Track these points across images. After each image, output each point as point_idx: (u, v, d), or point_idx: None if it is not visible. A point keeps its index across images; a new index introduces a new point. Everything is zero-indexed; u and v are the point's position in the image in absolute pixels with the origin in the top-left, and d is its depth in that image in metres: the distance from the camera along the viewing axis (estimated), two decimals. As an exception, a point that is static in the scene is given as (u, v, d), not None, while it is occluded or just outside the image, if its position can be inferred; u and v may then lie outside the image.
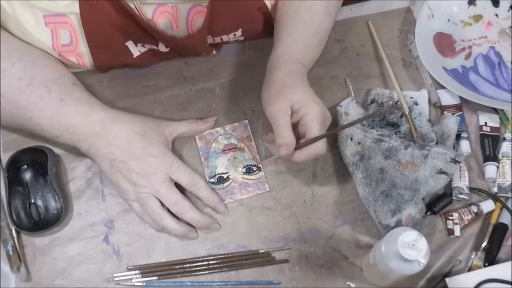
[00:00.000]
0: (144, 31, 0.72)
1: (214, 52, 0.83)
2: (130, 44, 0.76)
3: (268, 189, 0.76)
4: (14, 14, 0.69)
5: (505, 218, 0.73)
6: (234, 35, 0.80)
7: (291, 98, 0.68)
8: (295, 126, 0.69)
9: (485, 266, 0.71)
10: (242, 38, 0.82)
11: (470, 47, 0.86)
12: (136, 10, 0.69)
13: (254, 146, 0.78)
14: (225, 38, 0.80)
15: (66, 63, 0.75)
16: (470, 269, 0.72)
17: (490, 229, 0.73)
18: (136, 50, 0.78)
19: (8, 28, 0.71)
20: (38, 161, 0.74)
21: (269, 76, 0.73)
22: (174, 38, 0.73)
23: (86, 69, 0.78)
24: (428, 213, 0.74)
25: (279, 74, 0.71)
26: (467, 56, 0.86)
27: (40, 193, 0.72)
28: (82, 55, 0.74)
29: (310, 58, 0.76)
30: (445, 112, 0.80)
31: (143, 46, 0.77)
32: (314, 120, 0.67)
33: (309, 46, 0.75)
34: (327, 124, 0.70)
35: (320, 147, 0.68)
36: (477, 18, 0.88)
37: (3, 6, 0.68)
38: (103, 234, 0.73)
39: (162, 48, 0.78)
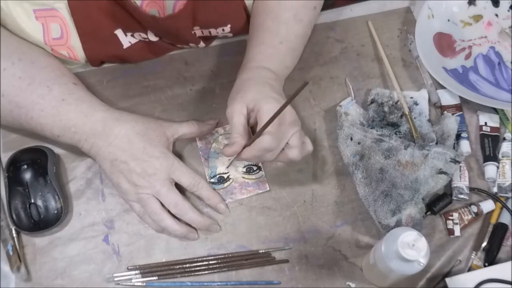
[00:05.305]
0: (130, 15, 0.72)
1: (203, 44, 0.83)
2: (119, 33, 0.76)
3: (268, 189, 0.76)
4: (8, 9, 0.69)
5: (505, 218, 0.73)
6: (223, 30, 0.80)
7: (245, 97, 0.68)
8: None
9: (485, 266, 0.71)
10: (231, 34, 0.82)
11: (470, 47, 0.86)
12: None
13: (254, 146, 0.78)
14: (213, 32, 0.80)
15: (59, 58, 0.76)
16: (470, 269, 0.72)
17: (490, 229, 0.73)
18: (126, 40, 0.78)
19: (6, 25, 0.71)
20: (38, 161, 0.74)
21: (235, 82, 0.73)
22: (155, 18, 0.73)
23: (79, 63, 0.78)
24: (428, 213, 0.74)
25: (241, 78, 0.72)
26: (467, 56, 0.86)
27: (40, 193, 0.72)
28: (73, 48, 0.75)
29: (279, 65, 0.75)
30: (445, 112, 0.80)
31: (132, 36, 0.77)
32: (265, 115, 0.65)
33: (275, 54, 0.74)
34: (289, 121, 0.68)
35: (265, 141, 0.65)
36: (477, 18, 0.88)
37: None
38: (103, 234, 0.73)
39: (151, 37, 0.78)
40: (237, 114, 0.67)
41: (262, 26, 0.75)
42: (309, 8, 0.77)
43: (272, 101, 0.66)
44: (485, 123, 0.79)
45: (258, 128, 0.66)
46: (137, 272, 0.71)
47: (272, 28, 0.75)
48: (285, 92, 0.81)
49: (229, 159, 0.76)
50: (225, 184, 0.76)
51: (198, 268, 0.71)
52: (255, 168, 0.77)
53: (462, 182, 0.75)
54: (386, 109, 0.80)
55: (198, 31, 0.80)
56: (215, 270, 0.71)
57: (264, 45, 0.75)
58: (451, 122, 0.77)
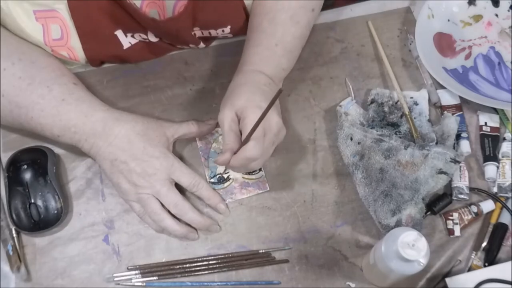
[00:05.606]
0: (131, 16, 0.72)
1: (203, 45, 0.83)
2: (119, 34, 0.76)
3: (268, 189, 0.76)
4: (8, 10, 0.69)
5: (505, 218, 0.73)
6: (223, 31, 0.80)
7: (234, 104, 0.68)
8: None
9: (485, 266, 0.71)
10: (230, 35, 0.82)
11: (470, 47, 0.86)
12: None
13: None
14: (213, 32, 0.80)
15: (59, 58, 0.76)
16: (470, 269, 0.72)
17: (490, 229, 0.73)
18: (126, 40, 0.78)
19: (6, 25, 0.71)
20: (38, 161, 0.74)
21: (229, 84, 0.73)
22: (156, 21, 0.73)
23: (79, 64, 0.78)
24: (428, 213, 0.74)
25: (235, 82, 0.73)
26: (467, 56, 0.86)
27: (40, 193, 0.72)
28: (73, 49, 0.75)
29: (275, 67, 0.75)
30: (445, 112, 0.80)
31: (133, 36, 0.77)
32: (248, 124, 0.66)
33: (271, 56, 0.74)
34: (275, 132, 0.68)
35: (249, 149, 0.65)
36: (477, 18, 0.88)
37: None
38: (103, 234, 0.73)
39: (151, 37, 0.78)
40: (227, 121, 0.68)
41: (259, 28, 0.75)
42: (307, 9, 0.76)
43: (257, 111, 0.65)
44: (485, 123, 0.79)
45: (243, 138, 0.67)
46: (137, 272, 0.71)
47: (268, 30, 0.75)
48: (285, 92, 0.81)
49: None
50: (225, 184, 0.76)
51: (198, 268, 0.71)
52: (255, 168, 0.77)
53: (462, 182, 0.75)
54: (386, 109, 0.80)
55: (198, 32, 0.80)
56: (215, 270, 0.71)
57: (260, 47, 0.74)
58: (451, 122, 0.77)
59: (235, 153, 0.67)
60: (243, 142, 0.66)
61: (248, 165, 0.68)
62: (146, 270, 0.71)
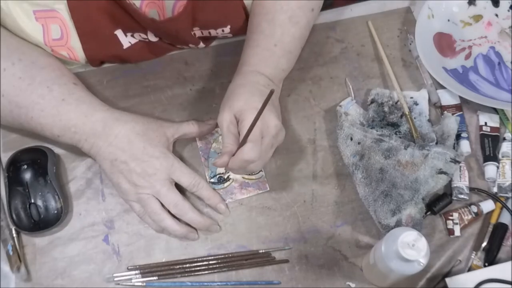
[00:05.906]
0: (130, 16, 0.72)
1: (202, 45, 0.83)
2: (119, 33, 0.76)
3: (268, 189, 0.76)
4: (8, 10, 0.69)
5: (505, 218, 0.73)
6: (223, 31, 0.80)
7: (233, 106, 0.68)
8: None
9: (485, 266, 0.71)
10: (230, 35, 0.82)
11: (470, 47, 0.86)
12: None
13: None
14: (213, 32, 0.80)
15: (59, 58, 0.76)
16: (470, 269, 0.72)
17: (490, 229, 0.73)
18: (126, 40, 0.78)
19: (6, 25, 0.71)
20: (38, 161, 0.74)
21: (229, 85, 0.74)
22: (155, 21, 0.73)
23: (79, 64, 0.79)
24: (428, 213, 0.74)
25: (234, 83, 0.73)
26: (467, 56, 0.86)
27: (40, 193, 0.72)
28: (73, 49, 0.75)
29: (274, 68, 0.75)
30: (445, 112, 0.80)
31: (132, 36, 0.78)
32: (247, 126, 0.65)
33: (270, 57, 0.74)
34: (273, 134, 0.68)
35: (246, 151, 0.65)
36: (477, 18, 0.88)
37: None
38: (103, 234, 0.73)
39: (151, 37, 0.78)
40: (226, 123, 0.68)
41: (258, 28, 0.75)
42: (307, 10, 0.76)
43: (255, 112, 0.65)
44: (485, 123, 0.79)
45: (240, 139, 0.67)
46: (137, 272, 0.71)
47: (267, 31, 0.74)
48: (285, 92, 0.81)
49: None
50: (225, 184, 0.76)
51: (198, 268, 0.71)
52: (255, 168, 0.77)
53: (462, 182, 0.75)
54: (386, 109, 0.80)
55: (197, 32, 0.80)
56: (215, 270, 0.71)
57: (259, 48, 0.74)
58: (451, 122, 0.77)
59: (233, 156, 0.67)
60: (240, 145, 0.66)
61: (247, 167, 0.68)
62: (146, 270, 0.71)
